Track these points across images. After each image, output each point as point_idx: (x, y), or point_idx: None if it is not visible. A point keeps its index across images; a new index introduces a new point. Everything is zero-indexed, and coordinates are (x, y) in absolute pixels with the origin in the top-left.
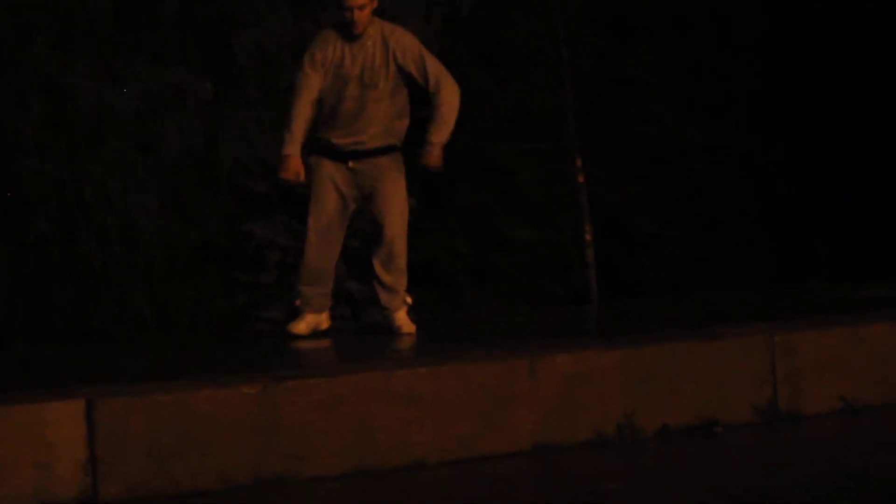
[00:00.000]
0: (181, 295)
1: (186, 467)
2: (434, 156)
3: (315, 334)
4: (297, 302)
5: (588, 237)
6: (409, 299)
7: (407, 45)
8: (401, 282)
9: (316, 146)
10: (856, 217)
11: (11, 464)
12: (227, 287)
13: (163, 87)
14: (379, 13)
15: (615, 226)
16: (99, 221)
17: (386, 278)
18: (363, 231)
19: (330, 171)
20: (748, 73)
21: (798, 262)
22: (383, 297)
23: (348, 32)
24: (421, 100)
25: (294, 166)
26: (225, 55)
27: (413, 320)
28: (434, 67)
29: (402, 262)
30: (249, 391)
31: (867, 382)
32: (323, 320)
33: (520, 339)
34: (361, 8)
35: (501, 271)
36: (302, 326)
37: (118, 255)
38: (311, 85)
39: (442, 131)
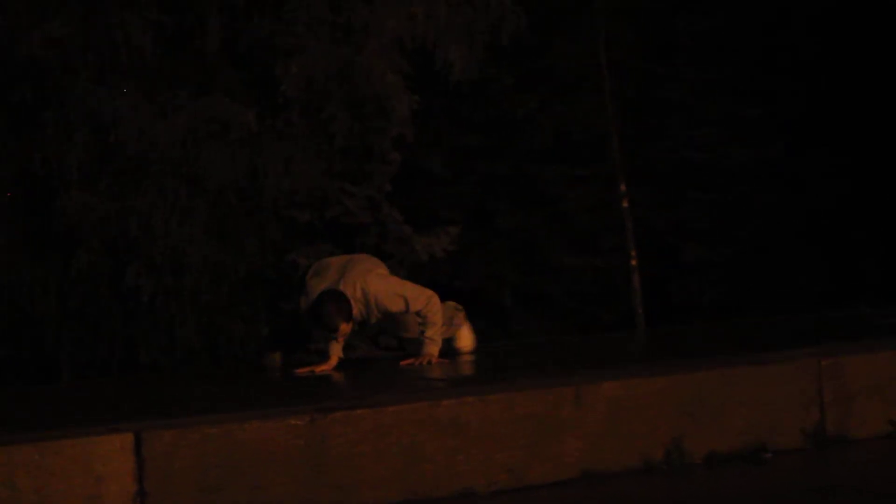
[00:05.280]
0: (228, 325)
1: (235, 500)
2: (431, 350)
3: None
4: None
5: (634, 262)
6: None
7: (381, 297)
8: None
9: None
10: None
11: (62, 497)
12: (274, 316)
13: (207, 119)
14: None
15: (661, 250)
16: (146, 253)
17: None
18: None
19: None
20: (793, 95)
21: (846, 285)
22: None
23: None
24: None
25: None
26: (269, 85)
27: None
28: (410, 295)
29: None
30: (296, 422)
31: None
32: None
33: (566, 366)
34: (344, 334)
35: (548, 297)
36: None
37: (166, 287)
38: None
39: (433, 330)
